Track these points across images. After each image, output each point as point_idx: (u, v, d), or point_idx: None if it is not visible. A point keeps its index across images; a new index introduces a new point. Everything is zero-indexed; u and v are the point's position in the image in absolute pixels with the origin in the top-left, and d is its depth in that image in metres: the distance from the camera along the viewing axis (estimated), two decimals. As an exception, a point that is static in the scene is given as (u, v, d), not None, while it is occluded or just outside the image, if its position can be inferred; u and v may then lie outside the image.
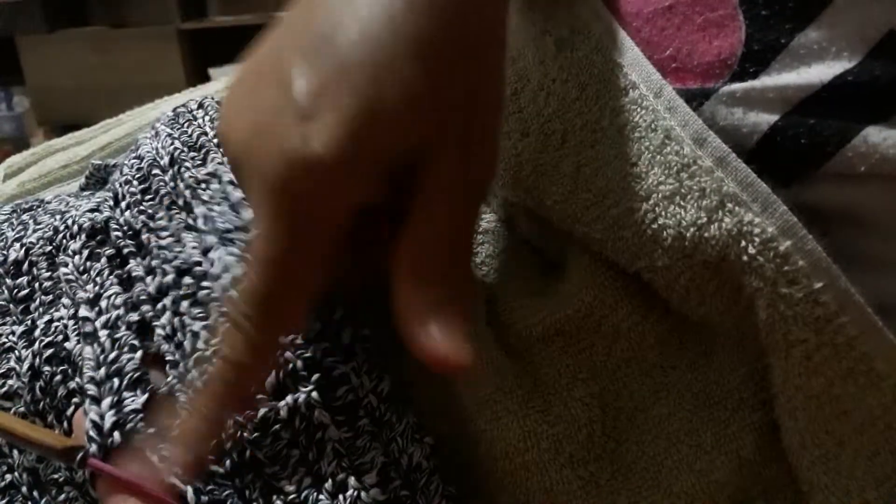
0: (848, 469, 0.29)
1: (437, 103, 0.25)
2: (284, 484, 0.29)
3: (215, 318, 0.31)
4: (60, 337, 0.33)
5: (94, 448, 0.28)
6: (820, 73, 0.28)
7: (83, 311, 0.32)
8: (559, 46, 0.33)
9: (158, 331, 0.32)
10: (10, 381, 0.33)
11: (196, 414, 0.27)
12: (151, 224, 0.35)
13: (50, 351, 0.33)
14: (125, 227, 0.35)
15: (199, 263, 0.32)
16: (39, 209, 0.41)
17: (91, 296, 0.33)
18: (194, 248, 0.33)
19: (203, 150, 0.36)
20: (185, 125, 0.38)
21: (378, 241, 0.28)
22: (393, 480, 0.31)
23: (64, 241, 0.36)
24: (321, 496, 0.29)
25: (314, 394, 0.30)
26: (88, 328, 0.32)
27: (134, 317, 0.32)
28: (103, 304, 0.32)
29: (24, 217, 0.39)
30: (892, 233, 0.29)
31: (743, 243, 0.28)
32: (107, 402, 0.29)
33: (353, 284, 0.32)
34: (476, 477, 0.33)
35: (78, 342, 0.32)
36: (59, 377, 0.32)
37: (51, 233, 0.37)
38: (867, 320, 0.27)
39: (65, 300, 0.34)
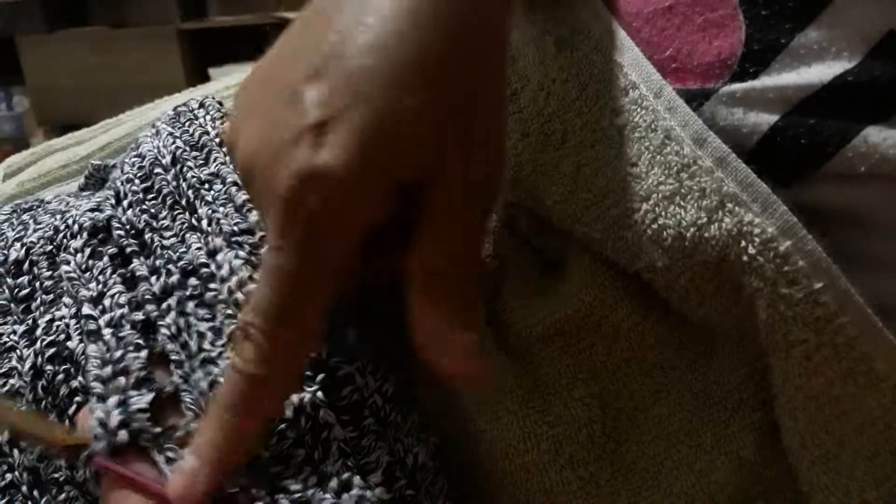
0: (848, 469, 0.29)
1: (439, 108, 0.26)
2: (290, 483, 0.29)
3: (221, 320, 0.31)
4: (62, 336, 0.33)
5: (100, 446, 0.28)
6: (820, 73, 0.28)
7: (86, 310, 0.32)
8: (559, 46, 0.33)
9: (163, 330, 0.32)
10: (11, 381, 0.33)
11: (213, 426, 0.27)
12: (155, 223, 0.35)
13: (52, 350, 0.33)
14: (128, 226, 0.35)
15: (205, 265, 0.32)
16: (39, 209, 0.41)
17: (94, 294, 0.33)
18: (199, 249, 0.33)
19: (205, 150, 0.36)
20: (187, 124, 0.38)
21: (386, 247, 0.28)
22: (398, 480, 0.31)
23: (65, 240, 0.36)
24: (326, 495, 0.29)
25: (319, 393, 0.30)
26: (92, 326, 0.32)
27: (138, 316, 0.32)
28: (107, 302, 0.32)
29: (25, 217, 0.39)
30: (892, 233, 0.29)
31: (743, 243, 0.28)
32: (113, 400, 0.29)
33: (357, 285, 0.32)
34: (476, 477, 0.33)
35: (80, 341, 0.32)
36: (61, 376, 0.32)
37: (51, 232, 0.37)
38: (867, 321, 0.27)
39: (66, 299, 0.34)
